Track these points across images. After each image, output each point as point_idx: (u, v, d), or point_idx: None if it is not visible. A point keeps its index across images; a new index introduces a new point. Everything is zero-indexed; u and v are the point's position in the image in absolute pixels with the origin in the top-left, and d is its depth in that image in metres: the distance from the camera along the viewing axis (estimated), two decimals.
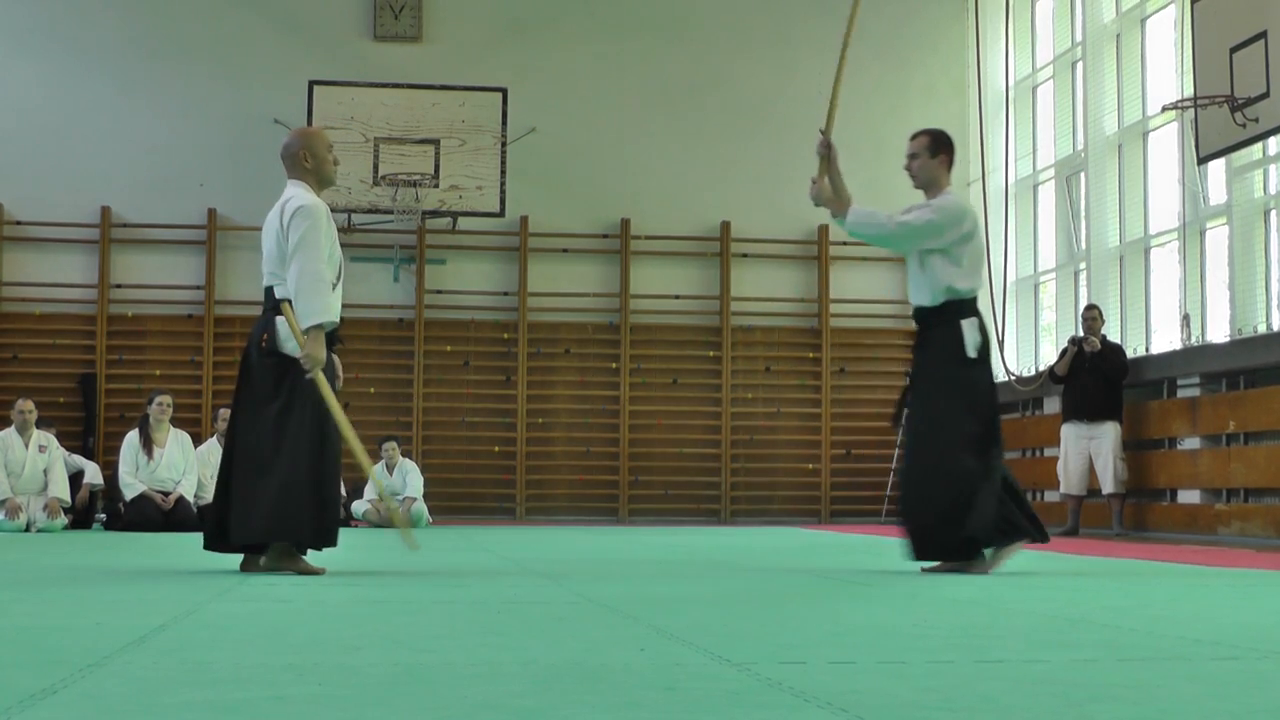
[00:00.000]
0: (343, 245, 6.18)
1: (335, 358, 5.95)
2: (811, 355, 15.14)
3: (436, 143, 13.97)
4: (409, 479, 12.75)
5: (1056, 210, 14.31)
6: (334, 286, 5.81)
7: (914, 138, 6.39)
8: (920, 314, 6.25)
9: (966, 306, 6.13)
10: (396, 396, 14.48)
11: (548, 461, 14.76)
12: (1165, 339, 12.37)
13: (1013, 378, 13.72)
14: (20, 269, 14.37)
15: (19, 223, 14.36)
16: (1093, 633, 3.62)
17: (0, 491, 11.01)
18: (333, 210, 6.20)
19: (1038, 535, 6.05)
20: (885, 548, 8.98)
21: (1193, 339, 11.56)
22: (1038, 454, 13.43)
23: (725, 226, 15.01)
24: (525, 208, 14.63)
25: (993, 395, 6.23)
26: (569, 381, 14.85)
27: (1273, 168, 10.99)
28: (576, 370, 14.88)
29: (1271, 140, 10.48)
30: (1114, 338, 12.28)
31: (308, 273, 5.67)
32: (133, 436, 11.80)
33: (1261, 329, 10.75)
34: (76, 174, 14.37)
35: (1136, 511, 11.70)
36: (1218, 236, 11.64)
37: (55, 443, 11.57)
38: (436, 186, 13.93)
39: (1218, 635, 3.55)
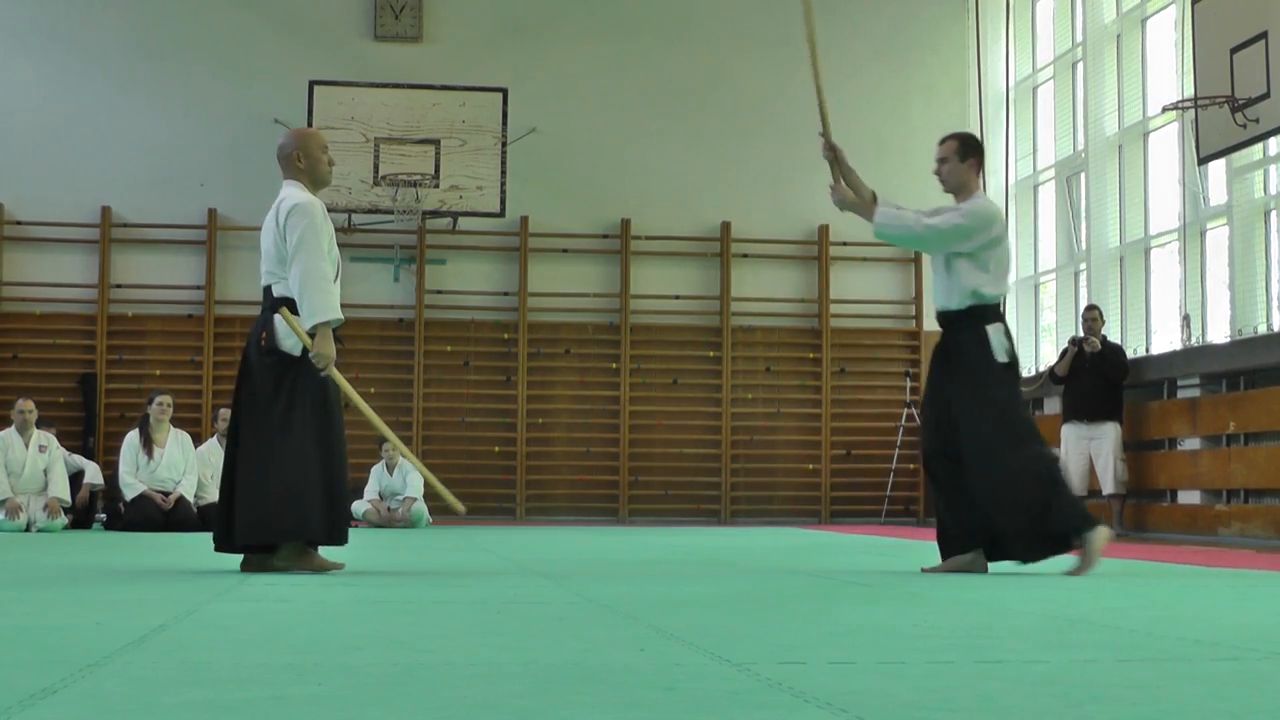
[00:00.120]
0: (343, 245, 6.20)
1: None
2: (811, 355, 15.14)
3: (437, 143, 13.97)
4: (409, 479, 12.75)
5: (1057, 210, 14.32)
6: (333, 284, 5.82)
7: (943, 142, 6.37)
8: (945, 317, 6.19)
9: (991, 312, 6.08)
10: (396, 397, 14.47)
11: (548, 462, 14.76)
12: (1165, 339, 12.37)
13: None
14: (20, 269, 14.37)
15: (19, 222, 14.36)
16: (1093, 633, 3.61)
17: (0, 491, 11.01)
18: (333, 210, 6.23)
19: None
20: (885, 548, 8.99)
21: (1193, 339, 11.56)
22: None
23: (725, 227, 15.01)
24: (525, 208, 14.63)
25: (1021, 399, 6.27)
26: (569, 382, 14.85)
27: (1273, 168, 10.99)
28: (576, 370, 14.88)
29: (1272, 141, 10.48)
30: (1114, 338, 12.28)
31: (311, 271, 5.67)
32: (133, 436, 11.80)
33: (1262, 329, 10.75)
34: (76, 174, 14.37)
35: (1137, 512, 11.70)
36: (1218, 237, 11.64)
37: (55, 443, 11.57)
38: (437, 186, 13.93)
39: (1218, 636, 3.54)
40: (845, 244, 15.04)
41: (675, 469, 14.87)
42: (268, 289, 5.84)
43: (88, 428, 14.04)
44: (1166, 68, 12.47)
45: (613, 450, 14.78)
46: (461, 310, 14.78)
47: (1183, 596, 5.01)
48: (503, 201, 14.02)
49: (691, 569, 6.60)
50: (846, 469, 15.00)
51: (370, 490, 12.66)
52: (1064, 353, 11.84)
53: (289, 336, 5.73)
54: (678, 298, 14.99)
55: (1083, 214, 13.66)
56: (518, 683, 2.59)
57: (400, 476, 12.76)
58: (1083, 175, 13.58)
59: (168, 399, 11.89)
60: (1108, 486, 11.41)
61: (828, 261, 15.08)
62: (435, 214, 14.07)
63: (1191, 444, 11.23)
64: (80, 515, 11.72)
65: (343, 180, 13.33)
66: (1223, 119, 10.16)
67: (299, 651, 3.08)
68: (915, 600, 4.66)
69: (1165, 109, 11.62)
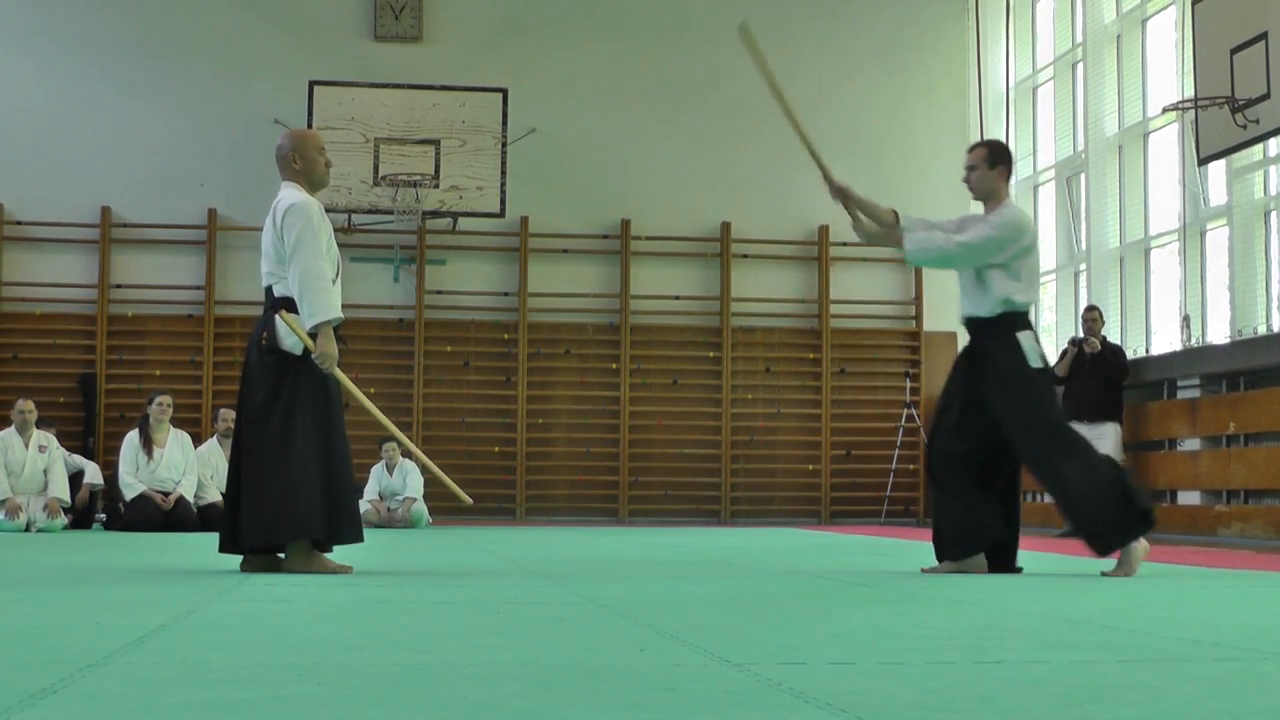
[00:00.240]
0: (343, 246, 6.21)
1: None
2: (811, 356, 15.14)
3: (437, 143, 13.97)
4: (409, 479, 12.75)
5: (1057, 211, 14.32)
6: (334, 283, 5.83)
7: (972, 149, 6.34)
8: (973, 324, 6.17)
9: (1021, 319, 6.08)
10: (396, 397, 14.47)
11: (548, 462, 14.76)
12: (1165, 340, 12.37)
13: None
14: (20, 269, 14.37)
15: (19, 223, 14.36)
16: (1093, 634, 3.61)
17: (0, 491, 11.01)
18: (332, 210, 6.24)
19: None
20: (885, 549, 8.98)
21: (1193, 340, 11.56)
22: None
23: (725, 227, 15.01)
24: (525, 208, 14.63)
25: None
26: (569, 382, 14.85)
27: (1273, 169, 11.00)
28: (576, 371, 14.88)
29: (1272, 141, 10.48)
30: (1114, 339, 12.28)
31: (309, 271, 5.69)
32: (133, 436, 11.79)
33: (1262, 330, 10.76)
34: (76, 174, 14.37)
35: None
36: (1218, 237, 11.64)
37: (55, 443, 11.57)
38: (437, 187, 13.93)
39: (1218, 636, 3.55)
40: (845, 244, 15.02)
41: (675, 469, 14.87)
42: (269, 289, 5.86)
43: (88, 428, 14.04)
44: (1166, 68, 12.48)
45: (613, 450, 14.78)
46: (461, 310, 14.78)
47: (1183, 597, 5.01)
48: (503, 202, 14.02)
49: (691, 569, 6.60)
50: (846, 469, 15.00)
51: (370, 490, 12.66)
52: (1064, 353, 11.84)
53: (290, 336, 5.74)
54: (678, 298, 14.99)
55: (1083, 214, 13.66)
56: (518, 683, 2.59)
57: (400, 477, 12.76)
58: (1083, 176, 13.58)
59: (168, 399, 11.89)
60: None
61: (828, 262, 15.08)
62: (435, 214, 14.07)
63: (1191, 444, 11.23)
64: (80, 515, 11.71)
65: (343, 180, 13.33)
66: (1223, 119, 10.16)
67: (299, 652, 3.08)
68: (915, 601, 4.66)
69: (1165, 109, 11.63)
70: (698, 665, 2.86)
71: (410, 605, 4.35)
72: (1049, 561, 7.12)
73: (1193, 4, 10.73)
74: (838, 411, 15.05)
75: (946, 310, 14.19)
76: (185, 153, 14.54)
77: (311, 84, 13.95)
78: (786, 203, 15.03)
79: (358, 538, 5.83)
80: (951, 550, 6.10)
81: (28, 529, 10.91)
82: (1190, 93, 10.93)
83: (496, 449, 14.64)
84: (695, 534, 11.50)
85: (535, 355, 14.78)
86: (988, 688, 2.59)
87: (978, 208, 6.49)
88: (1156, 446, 11.68)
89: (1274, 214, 11.01)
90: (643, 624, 3.72)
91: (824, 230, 15.01)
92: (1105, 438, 11.46)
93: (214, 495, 11.72)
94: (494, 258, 14.92)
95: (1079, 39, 13.78)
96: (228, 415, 11.93)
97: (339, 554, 5.92)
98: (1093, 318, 11.79)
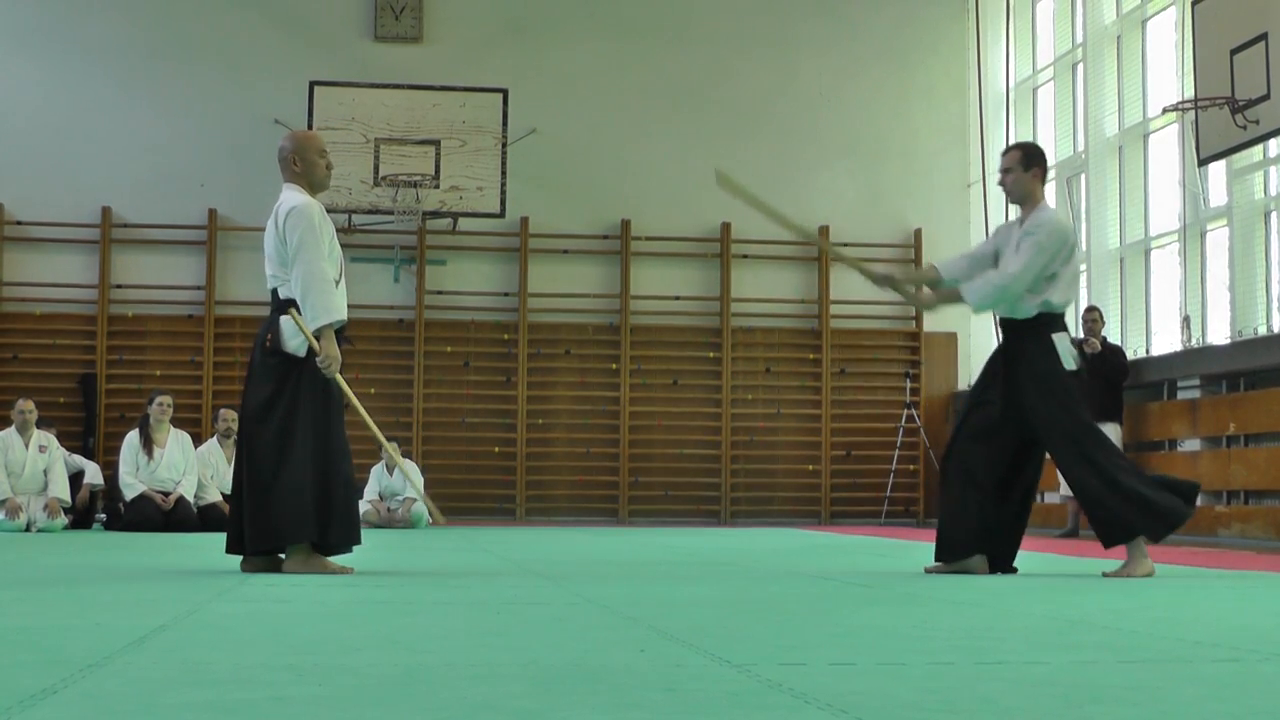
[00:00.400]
0: (343, 246, 6.21)
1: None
2: (812, 356, 15.14)
3: (437, 143, 13.97)
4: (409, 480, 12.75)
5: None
6: (337, 284, 5.84)
7: (1006, 152, 6.33)
8: (1010, 325, 6.17)
9: (1057, 321, 6.10)
10: (397, 397, 14.47)
11: (548, 462, 14.76)
12: (1165, 341, 12.37)
13: None
14: (20, 269, 14.37)
15: (19, 223, 14.36)
16: (1093, 634, 3.62)
17: (0, 492, 11.01)
18: (333, 211, 6.25)
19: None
20: (885, 549, 8.99)
21: (1193, 341, 11.56)
22: None
23: (725, 227, 15.01)
24: (525, 208, 14.63)
25: None
26: (569, 382, 14.85)
27: (1273, 169, 11.00)
28: (577, 371, 14.88)
29: (1272, 142, 10.48)
30: (1114, 339, 12.28)
31: (311, 274, 5.71)
32: (133, 437, 11.79)
33: (1262, 331, 10.76)
34: (77, 174, 14.37)
35: None
36: (1218, 238, 11.64)
37: (55, 443, 11.57)
38: (437, 187, 13.93)
39: (1218, 637, 3.55)
40: (845, 244, 15.03)
41: (675, 469, 14.87)
42: (274, 291, 5.88)
43: (88, 428, 14.04)
44: (1167, 69, 12.48)
45: (613, 451, 14.77)
46: (461, 311, 14.78)
47: (1183, 598, 5.01)
48: (503, 202, 14.02)
49: (691, 570, 6.60)
50: (846, 470, 15.00)
51: (370, 490, 12.66)
52: None
53: (294, 338, 5.75)
54: (678, 298, 14.99)
55: (1083, 215, 13.66)
56: (518, 683, 2.59)
57: (400, 477, 12.76)
58: (1083, 176, 13.58)
59: (168, 399, 11.88)
60: None
61: (828, 262, 15.08)
62: (435, 214, 14.07)
63: (1191, 445, 11.23)
64: (80, 515, 11.71)
65: (343, 181, 13.32)
66: (1223, 120, 10.16)
67: (299, 652, 3.08)
68: (915, 601, 4.66)
69: (1165, 110, 11.63)
70: (698, 666, 2.86)
71: (410, 606, 4.35)
72: (1049, 562, 7.12)
73: (1193, 4, 10.73)
74: (838, 412, 15.05)
75: (947, 311, 14.17)
76: (185, 153, 14.54)
77: (312, 84, 13.95)
78: (787, 203, 14.93)
79: (355, 540, 5.82)
80: (951, 551, 6.11)
81: (28, 529, 10.92)
82: (1190, 93, 10.93)
83: (496, 449, 14.64)
84: (695, 534, 11.50)
85: (535, 355, 14.78)
86: (988, 688, 2.59)
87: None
88: (1157, 447, 11.68)
89: (1274, 215, 11.01)
90: (643, 625, 3.72)
91: (824, 230, 15.01)
92: None
93: (214, 495, 11.73)
94: (494, 258, 14.92)
95: (1079, 39, 13.78)
96: (228, 415, 11.93)
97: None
98: (1093, 318, 11.79)
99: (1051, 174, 14.44)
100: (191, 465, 11.76)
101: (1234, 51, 10.06)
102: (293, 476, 5.66)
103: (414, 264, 14.66)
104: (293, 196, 5.87)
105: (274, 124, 13.91)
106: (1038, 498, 12.99)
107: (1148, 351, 12.45)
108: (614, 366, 14.84)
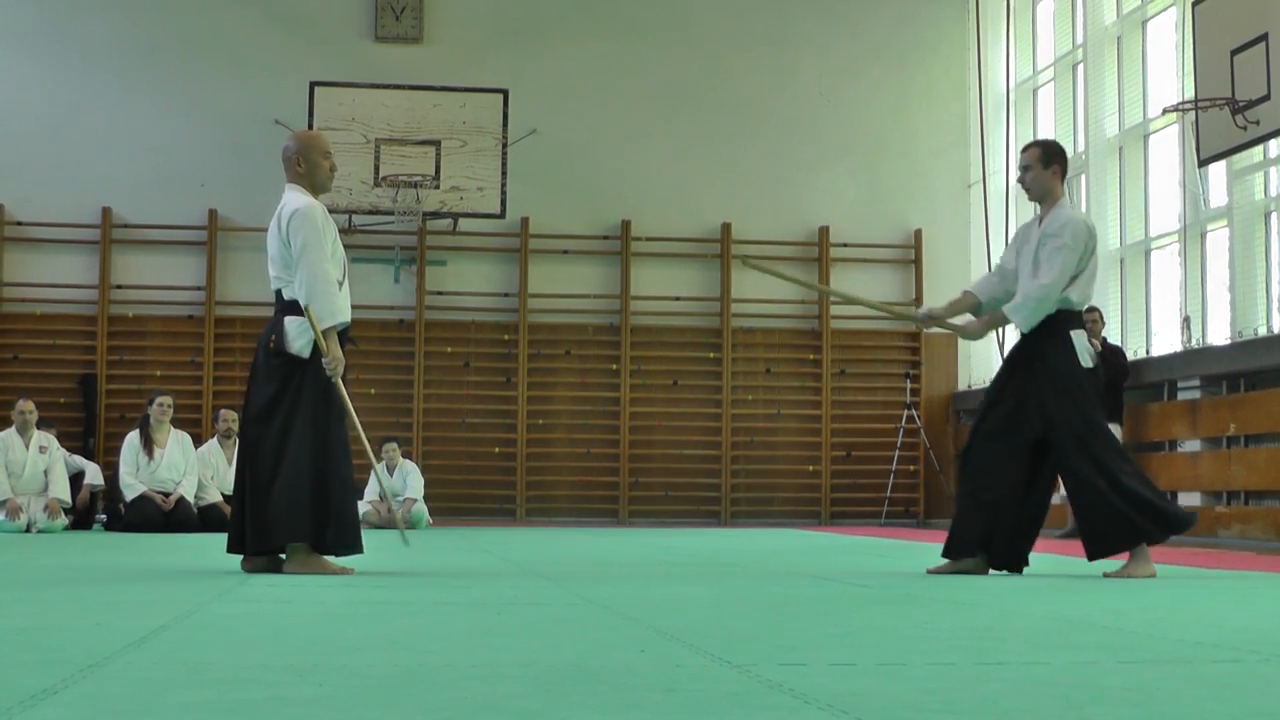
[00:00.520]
0: (344, 246, 6.21)
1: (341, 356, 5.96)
2: (812, 357, 15.14)
3: (437, 144, 13.97)
4: (409, 480, 12.75)
5: None
6: (340, 285, 5.85)
7: (1025, 150, 6.32)
8: None
9: (1074, 318, 6.12)
10: (397, 397, 14.47)
11: (548, 463, 14.76)
12: (1166, 341, 12.37)
13: None
14: (21, 269, 14.37)
15: (19, 223, 14.36)
16: (1093, 635, 3.62)
17: (1, 492, 11.01)
18: (333, 211, 6.26)
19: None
20: (885, 550, 8.99)
21: (1193, 341, 11.56)
22: None
23: (726, 228, 15.01)
24: (526, 209, 14.63)
25: None
26: (569, 383, 14.85)
27: (1273, 170, 10.99)
28: (577, 371, 14.88)
29: (1272, 143, 10.48)
30: (1114, 340, 12.28)
31: (315, 276, 5.72)
32: (133, 437, 11.79)
33: (1262, 331, 10.75)
34: (77, 174, 14.37)
35: None
36: (1218, 239, 11.64)
37: (55, 443, 11.57)
38: (437, 188, 13.93)
39: (1218, 638, 3.55)
40: (845, 245, 15.06)
41: (675, 470, 14.87)
42: (278, 293, 5.89)
43: (88, 428, 14.04)
44: (1167, 69, 12.48)
45: (613, 451, 14.77)
46: (462, 311, 14.78)
47: (1183, 598, 5.01)
48: (503, 202, 14.02)
49: (692, 570, 6.60)
50: (846, 470, 15.00)
51: (370, 491, 12.66)
52: None
53: (298, 339, 5.76)
54: (678, 299, 14.99)
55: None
56: (518, 684, 2.59)
57: (400, 478, 12.76)
58: (1083, 177, 13.58)
59: (168, 400, 11.88)
60: None
61: (828, 262, 15.08)
62: (436, 215, 14.07)
63: (1192, 446, 11.22)
64: (80, 516, 11.71)
65: (343, 181, 13.31)
66: (1223, 121, 10.16)
67: (300, 653, 3.08)
68: (916, 602, 4.66)
69: (1166, 111, 11.62)
70: (698, 666, 2.86)
71: (411, 606, 4.35)
72: (1050, 562, 7.12)
73: (1193, 5, 10.72)
74: (838, 412, 15.05)
75: None
76: (186, 153, 14.54)
77: (312, 84, 13.95)
78: (787, 203, 15.04)
79: (356, 547, 5.80)
80: (955, 549, 6.11)
81: (28, 530, 10.91)
82: (1190, 94, 10.93)
83: (497, 449, 14.64)
84: (695, 535, 11.50)
85: (535, 356, 14.78)
86: (988, 689, 2.59)
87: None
88: (1157, 448, 11.68)
89: (1274, 215, 11.01)
90: (643, 625, 3.73)
91: (824, 231, 15.02)
92: None
93: (214, 496, 11.73)
94: (494, 258, 14.92)
95: (1079, 40, 13.78)
96: (228, 416, 11.94)
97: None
98: (1093, 319, 11.76)
99: None
100: (192, 466, 11.76)
101: (1234, 52, 10.05)
102: (291, 476, 5.67)
103: (414, 264, 14.66)
104: (295, 198, 5.87)
105: (274, 124, 13.91)
106: None
107: (1148, 352, 12.45)
108: (614, 367, 14.84)
